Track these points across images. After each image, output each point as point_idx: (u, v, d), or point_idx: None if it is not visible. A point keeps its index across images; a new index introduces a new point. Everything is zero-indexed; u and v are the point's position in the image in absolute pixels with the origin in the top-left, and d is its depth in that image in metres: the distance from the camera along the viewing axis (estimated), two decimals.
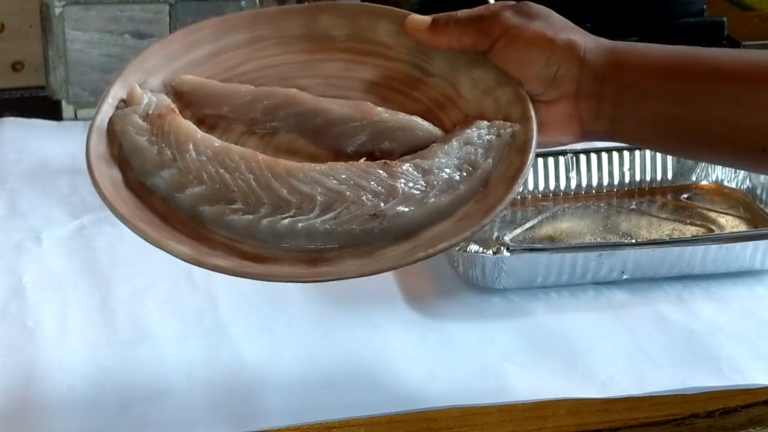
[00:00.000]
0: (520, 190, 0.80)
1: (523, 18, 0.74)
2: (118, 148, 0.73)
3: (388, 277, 0.93)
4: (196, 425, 0.75)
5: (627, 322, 0.88)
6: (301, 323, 0.87)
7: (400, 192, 0.70)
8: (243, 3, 1.11)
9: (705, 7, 1.47)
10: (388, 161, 0.72)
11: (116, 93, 0.75)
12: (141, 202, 0.71)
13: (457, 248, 0.86)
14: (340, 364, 0.82)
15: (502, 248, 0.89)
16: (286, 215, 0.69)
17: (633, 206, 1.08)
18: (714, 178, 1.12)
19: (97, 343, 0.83)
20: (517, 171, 0.71)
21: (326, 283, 0.70)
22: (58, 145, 1.19)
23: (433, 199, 0.70)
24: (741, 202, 1.09)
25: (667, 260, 0.92)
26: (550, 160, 1.08)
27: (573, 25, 0.77)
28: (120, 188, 0.71)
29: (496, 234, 1.02)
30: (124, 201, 0.70)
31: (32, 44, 1.38)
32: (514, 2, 0.76)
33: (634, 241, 0.99)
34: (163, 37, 0.81)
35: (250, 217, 0.69)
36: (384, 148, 0.75)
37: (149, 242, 0.67)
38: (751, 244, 0.93)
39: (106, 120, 0.74)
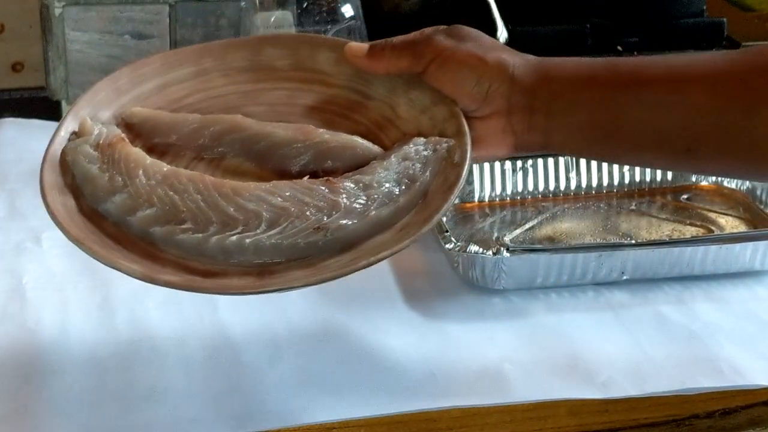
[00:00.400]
0: (456, 201, 0.83)
1: (454, 40, 0.78)
2: (71, 178, 0.76)
3: (388, 277, 0.93)
4: (195, 426, 0.75)
5: (627, 322, 0.88)
6: (300, 324, 0.87)
7: (342, 206, 0.73)
8: (243, 3, 1.11)
9: (705, 7, 1.47)
10: (330, 178, 0.75)
11: (68, 126, 0.79)
12: (94, 227, 0.74)
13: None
14: (340, 364, 0.82)
15: (502, 249, 0.89)
16: (234, 232, 0.72)
17: (633, 207, 1.08)
18: (714, 179, 1.12)
19: (97, 343, 0.83)
20: (453, 182, 0.75)
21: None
22: None
23: (374, 212, 0.74)
24: (741, 203, 1.09)
25: (667, 261, 0.92)
26: (550, 160, 1.08)
27: (502, 44, 0.81)
28: (74, 214, 0.74)
29: (496, 235, 1.02)
30: (78, 226, 0.73)
31: (32, 45, 1.39)
32: (446, 26, 0.80)
33: (634, 241, 0.99)
34: (111, 74, 0.84)
35: (200, 235, 0.72)
36: (327, 167, 0.78)
37: (101, 262, 0.70)
38: (750, 244, 0.93)
39: (59, 151, 0.77)
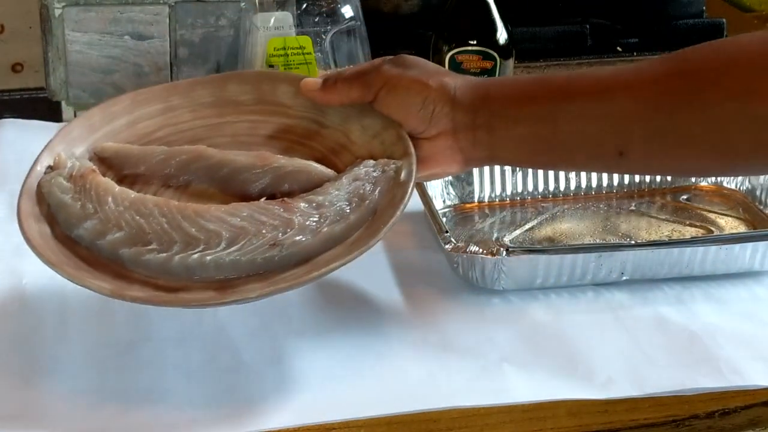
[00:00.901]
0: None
1: (400, 68, 0.84)
2: (47, 207, 0.82)
3: (388, 278, 0.93)
4: (195, 426, 0.75)
5: (626, 323, 0.88)
6: (300, 324, 0.87)
7: (296, 224, 0.78)
8: (243, 4, 1.11)
9: (704, 8, 1.47)
10: (285, 199, 0.81)
11: (44, 161, 0.85)
12: (68, 251, 0.79)
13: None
14: (340, 365, 0.82)
15: (502, 249, 0.89)
16: (196, 251, 0.77)
17: (632, 207, 1.09)
18: (713, 180, 1.12)
19: (97, 343, 0.83)
20: (400, 199, 0.80)
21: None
22: None
23: (326, 229, 0.79)
24: (740, 204, 1.09)
25: (667, 261, 0.92)
26: None
27: (444, 69, 0.88)
28: (48, 240, 0.80)
29: (495, 235, 1.02)
30: (52, 250, 0.79)
31: (32, 45, 1.39)
32: (392, 56, 0.86)
33: (633, 242, 0.99)
34: (83, 114, 0.90)
35: (164, 255, 0.78)
36: (284, 190, 0.83)
37: (73, 282, 0.76)
38: (750, 245, 0.93)
39: (35, 184, 0.84)
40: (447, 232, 0.92)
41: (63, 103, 1.28)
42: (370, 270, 0.94)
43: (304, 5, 1.10)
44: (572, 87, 0.81)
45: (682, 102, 0.76)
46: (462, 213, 1.07)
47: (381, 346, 0.84)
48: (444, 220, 0.98)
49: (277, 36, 1.08)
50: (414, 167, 0.82)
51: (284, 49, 1.08)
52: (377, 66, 0.84)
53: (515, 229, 1.03)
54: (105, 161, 0.87)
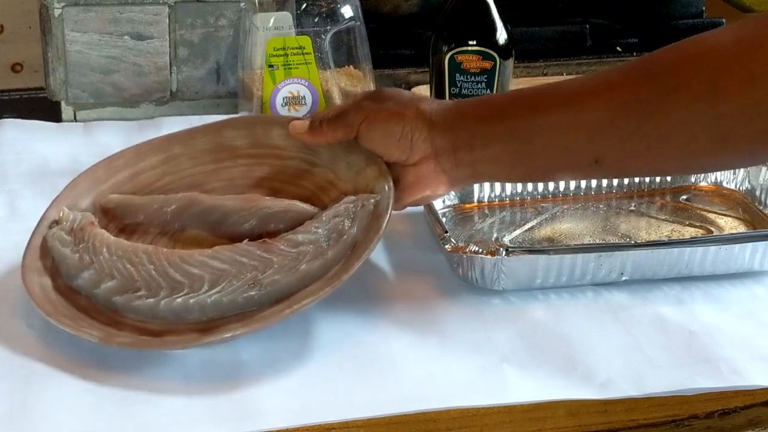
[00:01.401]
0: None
1: (377, 102, 0.88)
2: (51, 260, 0.89)
3: (388, 278, 0.93)
4: (194, 425, 0.75)
5: (626, 323, 0.88)
6: (299, 325, 0.87)
7: (275, 263, 0.83)
8: (242, 4, 1.11)
9: (704, 8, 1.47)
10: (266, 239, 0.86)
11: (49, 215, 0.92)
12: (67, 302, 0.85)
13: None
14: (339, 365, 0.82)
15: (502, 250, 0.89)
16: (180, 294, 0.83)
17: (632, 207, 1.09)
18: (713, 180, 1.12)
19: (98, 346, 0.83)
20: (375, 232, 0.85)
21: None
22: (58, 146, 1.20)
23: (304, 266, 0.83)
24: (740, 204, 1.09)
25: (666, 261, 0.92)
26: None
27: (420, 95, 0.91)
28: (49, 292, 0.86)
29: (495, 235, 1.02)
30: (51, 302, 0.84)
31: (32, 46, 1.39)
32: (372, 91, 0.93)
33: (633, 242, 0.99)
34: (88, 168, 0.97)
35: (152, 300, 0.83)
36: (270, 230, 0.89)
37: (68, 330, 0.81)
38: (750, 245, 0.93)
39: (40, 238, 0.90)
40: (447, 232, 0.92)
41: (63, 103, 1.28)
42: (369, 270, 0.94)
43: (304, 5, 1.10)
44: (544, 101, 0.84)
45: (650, 106, 0.78)
46: (462, 213, 1.07)
47: (380, 345, 0.85)
48: (444, 220, 0.98)
49: (277, 36, 1.08)
50: (391, 200, 0.87)
51: (284, 49, 1.08)
52: (356, 103, 0.89)
53: (515, 230, 1.03)
54: (108, 213, 0.94)
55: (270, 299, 0.82)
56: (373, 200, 0.87)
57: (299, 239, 0.85)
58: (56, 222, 0.91)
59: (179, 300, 0.83)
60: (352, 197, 0.88)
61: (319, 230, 0.86)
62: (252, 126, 0.98)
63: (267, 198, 0.92)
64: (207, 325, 0.82)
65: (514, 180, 1.03)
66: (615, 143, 0.80)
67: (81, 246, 0.88)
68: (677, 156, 0.79)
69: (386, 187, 0.88)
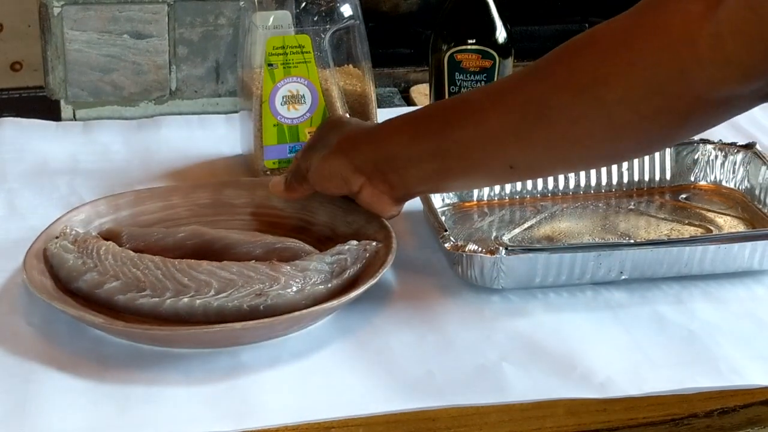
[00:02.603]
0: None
1: (310, 153, 0.93)
2: (50, 267, 0.89)
3: (387, 276, 0.93)
4: (194, 424, 0.75)
5: (625, 322, 0.88)
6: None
7: (282, 280, 0.85)
8: (242, 3, 1.11)
9: None
10: (273, 261, 0.87)
11: (52, 231, 0.92)
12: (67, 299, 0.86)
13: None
14: (339, 363, 0.82)
15: (501, 248, 0.89)
16: (186, 296, 0.84)
17: (631, 206, 1.09)
18: (712, 179, 1.12)
19: (97, 343, 0.83)
20: (377, 269, 0.87)
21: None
22: (57, 145, 1.20)
23: (309, 288, 0.85)
24: (739, 203, 1.09)
25: (666, 260, 0.92)
26: None
27: (345, 129, 0.94)
28: (48, 286, 0.86)
29: (494, 234, 1.02)
30: (50, 293, 0.85)
31: (31, 44, 1.39)
32: (308, 142, 0.96)
33: (632, 241, 0.99)
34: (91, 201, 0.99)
35: (156, 299, 0.84)
36: (274, 262, 0.89)
37: (70, 315, 0.82)
38: (749, 244, 0.93)
39: (42, 245, 0.90)
40: (446, 230, 0.92)
41: (62, 102, 1.28)
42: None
43: (303, 4, 1.10)
44: (453, 118, 0.86)
45: (541, 106, 0.79)
46: (461, 212, 1.07)
47: (380, 344, 0.84)
48: (443, 218, 0.98)
49: (276, 35, 1.08)
50: (394, 245, 0.90)
51: (283, 47, 1.08)
52: (299, 160, 0.95)
53: (514, 228, 1.03)
54: (113, 236, 0.93)
55: (274, 312, 0.82)
56: (375, 245, 0.91)
57: (305, 265, 0.87)
58: (56, 238, 0.91)
59: (185, 300, 0.83)
60: (355, 242, 0.91)
61: (324, 264, 0.87)
62: (254, 188, 1.01)
63: (270, 235, 0.94)
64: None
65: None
66: (521, 147, 0.83)
67: (84, 253, 0.88)
68: (579, 151, 0.81)
69: (389, 235, 0.91)
